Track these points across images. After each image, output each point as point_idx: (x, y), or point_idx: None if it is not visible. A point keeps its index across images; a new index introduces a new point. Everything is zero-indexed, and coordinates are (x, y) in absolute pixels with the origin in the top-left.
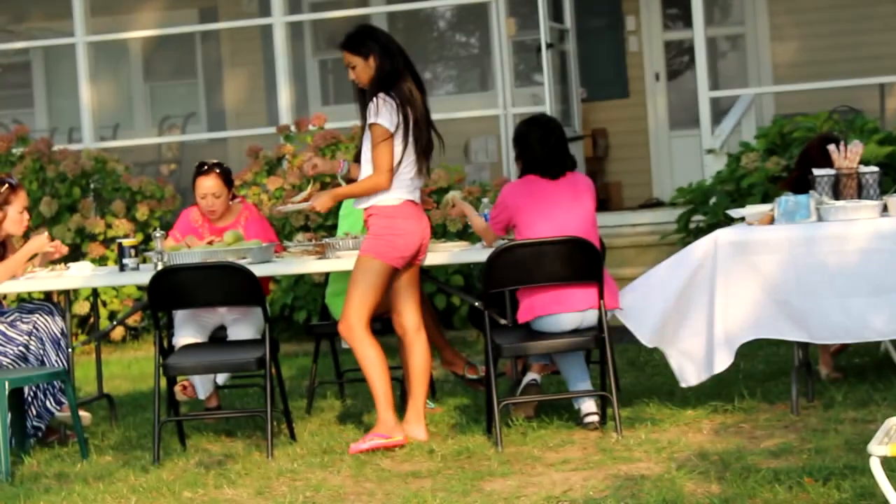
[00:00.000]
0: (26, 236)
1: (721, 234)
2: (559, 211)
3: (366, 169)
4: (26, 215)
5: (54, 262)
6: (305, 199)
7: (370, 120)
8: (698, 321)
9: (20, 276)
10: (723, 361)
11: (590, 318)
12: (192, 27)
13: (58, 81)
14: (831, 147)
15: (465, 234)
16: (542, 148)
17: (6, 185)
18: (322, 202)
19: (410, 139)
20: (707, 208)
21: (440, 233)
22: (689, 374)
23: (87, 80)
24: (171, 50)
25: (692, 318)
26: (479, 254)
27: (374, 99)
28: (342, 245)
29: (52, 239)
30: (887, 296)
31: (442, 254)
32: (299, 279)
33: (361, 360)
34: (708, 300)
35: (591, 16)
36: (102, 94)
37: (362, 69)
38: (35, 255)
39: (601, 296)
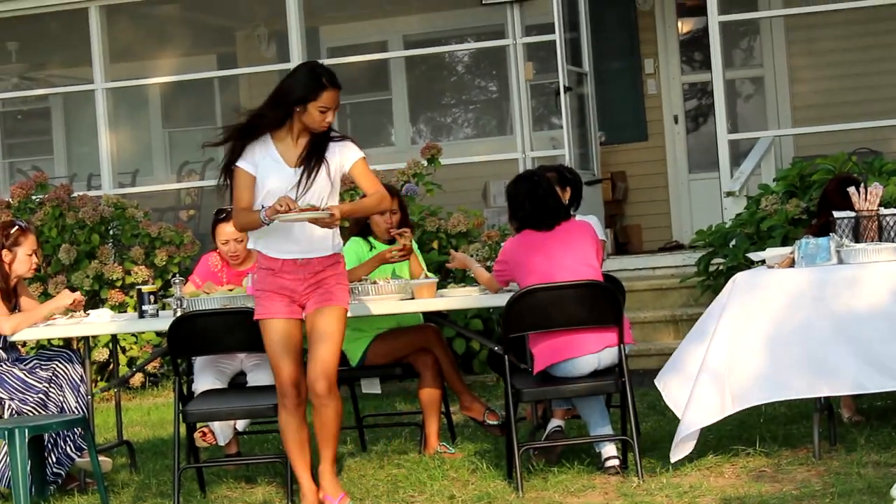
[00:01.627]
0: (40, 280)
1: (741, 278)
2: (559, 259)
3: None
4: (35, 258)
5: (73, 310)
6: (305, 210)
7: (359, 154)
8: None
9: (40, 323)
10: (734, 406)
11: (606, 358)
12: (211, 73)
13: (77, 128)
14: (851, 189)
15: None
16: (530, 202)
17: (16, 227)
18: (340, 208)
19: None
20: (727, 251)
21: (460, 277)
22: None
23: (106, 127)
24: (190, 96)
25: (696, 362)
26: (498, 298)
27: (342, 137)
28: (362, 290)
29: (73, 290)
30: None
31: (461, 298)
32: None
33: (338, 417)
34: (724, 346)
35: (610, 59)
36: (121, 140)
37: (334, 118)
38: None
39: (621, 339)
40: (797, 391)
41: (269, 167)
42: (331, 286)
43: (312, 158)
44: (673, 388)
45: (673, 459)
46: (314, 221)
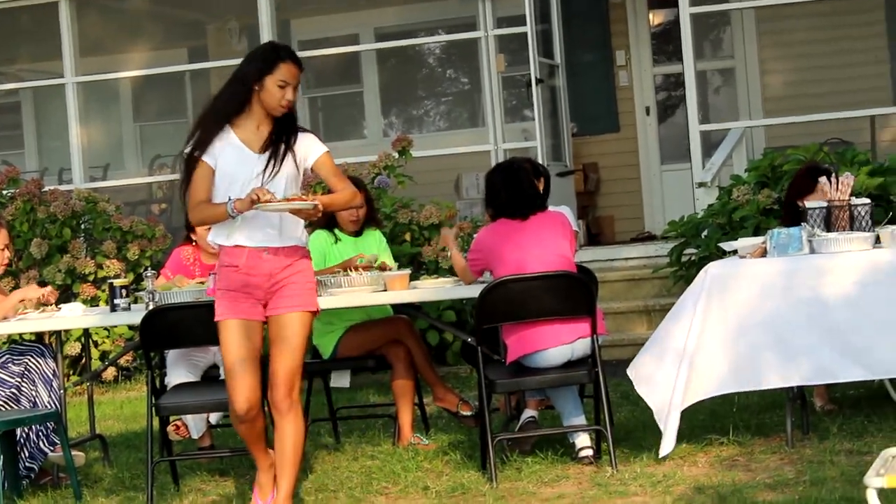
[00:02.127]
0: (12, 274)
1: (713, 268)
2: (532, 249)
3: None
4: (7, 253)
5: (45, 304)
6: (287, 200)
7: (322, 149)
8: (678, 354)
9: (11, 317)
10: (699, 394)
11: (579, 349)
12: (182, 66)
13: (48, 122)
14: (823, 179)
15: None
16: (507, 192)
17: None
18: (321, 199)
19: None
20: (699, 241)
21: (432, 269)
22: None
23: (76, 121)
24: (161, 89)
25: (674, 352)
26: (471, 289)
27: (306, 131)
28: (334, 282)
29: (44, 285)
30: (884, 330)
31: (434, 290)
32: None
33: (298, 438)
34: (697, 335)
35: (581, 51)
36: (92, 134)
37: (295, 97)
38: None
39: (594, 330)
40: (769, 382)
41: (230, 155)
42: (298, 288)
43: (280, 143)
44: (644, 377)
45: (662, 454)
46: (296, 212)
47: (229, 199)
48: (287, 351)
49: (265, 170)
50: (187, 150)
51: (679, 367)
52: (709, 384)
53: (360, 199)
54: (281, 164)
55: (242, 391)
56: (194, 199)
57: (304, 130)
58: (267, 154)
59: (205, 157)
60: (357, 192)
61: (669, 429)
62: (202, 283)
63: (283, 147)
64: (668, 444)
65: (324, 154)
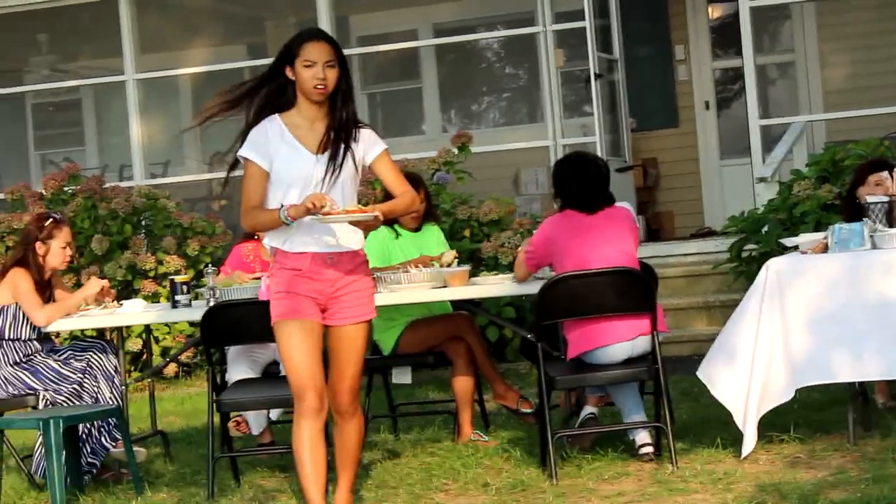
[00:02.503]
0: (73, 271)
1: (774, 263)
2: (598, 244)
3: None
4: (69, 250)
5: (106, 299)
6: (349, 212)
7: (382, 146)
8: (750, 354)
9: (73, 313)
10: (778, 398)
11: (640, 345)
12: (241, 63)
13: (108, 119)
14: (884, 174)
15: None
16: (577, 183)
17: (50, 220)
18: (381, 209)
19: None
20: (759, 237)
21: (491, 265)
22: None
23: (137, 118)
24: (221, 86)
25: (746, 352)
26: (531, 286)
27: (361, 125)
28: (394, 278)
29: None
30: None
31: (494, 286)
32: None
33: (360, 437)
34: (767, 334)
35: (640, 45)
36: (152, 131)
37: (335, 76)
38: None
39: (654, 326)
40: (837, 375)
41: (286, 156)
42: (360, 297)
43: (339, 143)
44: (717, 379)
45: (745, 454)
46: (357, 224)
47: (282, 207)
48: (350, 360)
49: (325, 176)
50: (238, 151)
51: (752, 367)
52: (786, 382)
53: (417, 203)
54: (341, 167)
55: (309, 370)
56: (247, 203)
57: (362, 125)
58: (326, 155)
59: (258, 160)
60: (416, 195)
61: (749, 430)
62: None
63: (342, 147)
64: (749, 445)
65: (383, 152)
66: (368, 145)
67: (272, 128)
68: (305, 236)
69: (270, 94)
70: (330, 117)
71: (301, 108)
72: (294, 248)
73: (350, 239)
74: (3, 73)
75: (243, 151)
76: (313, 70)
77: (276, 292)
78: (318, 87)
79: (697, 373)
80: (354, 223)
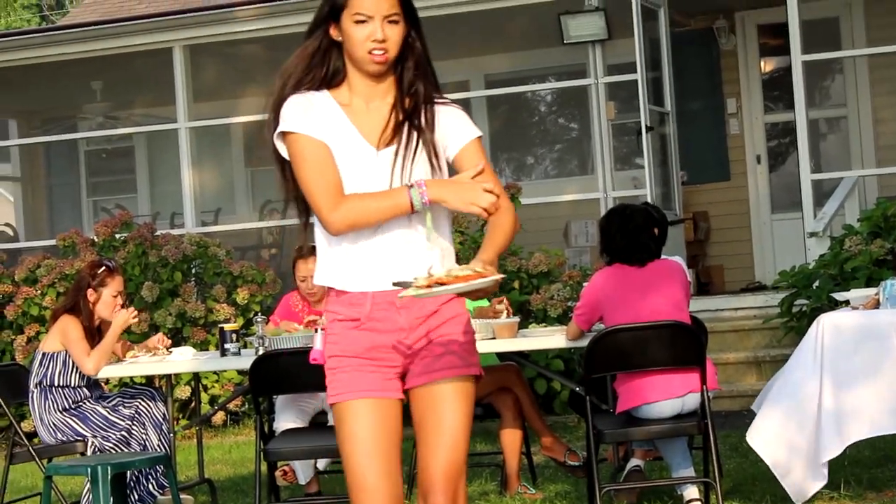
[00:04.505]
0: None
1: (825, 319)
2: (648, 298)
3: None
4: (120, 299)
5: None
6: (463, 278)
7: (472, 131)
8: (806, 411)
9: (124, 360)
10: (831, 452)
11: (690, 402)
12: None
13: (160, 166)
14: None
15: (566, 318)
16: (623, 237)
17: (104, 268)
18: (490, 259)
19: None
20: (810, 292)
21: (540, 317)
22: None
23: (189, 165)
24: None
25: (800, 409)
26: (579, 339)
27: (441, 101)
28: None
29: (156, 329)
30: None
31: (543, 339)
32: None
33: None
34: (816, 390)
35: (692, 98)
36: (204, 178)
37: (399, 36)
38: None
39: (703, 381)
40: (888, 428)
41: (344, 143)
42: (452, 344)
43: (408, 130)
44: (766, 436)
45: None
46: (468, 294)
47: (413, 185)
48: (445, 436)
49: (390, 179)
50: (284, 127)
51: (800, 423)
52: (835, 437)
53: (518, 222)
54: (411, 166)
55: (382, 490)
56: (324, 188)
57: (443, 101)
58: (391, 151)
59: (311, 131)
60: (513, 209)
61: (797, 486)
62: (310, 324)
63: (413, 135)
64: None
65: (472, 142)
66: (451, 130)
67: (322, 101)
68: (367, 265)
69: (309, 63)
70: (396, 94)
71: (353, 82)
72: (350, 285)
73: (432, 266)
74: (57, 119)
75: (287, 125)
76: (368, 28)
77: (331, 357)
78: (376, 52)
79: (748, 437)
80: (466, 294)
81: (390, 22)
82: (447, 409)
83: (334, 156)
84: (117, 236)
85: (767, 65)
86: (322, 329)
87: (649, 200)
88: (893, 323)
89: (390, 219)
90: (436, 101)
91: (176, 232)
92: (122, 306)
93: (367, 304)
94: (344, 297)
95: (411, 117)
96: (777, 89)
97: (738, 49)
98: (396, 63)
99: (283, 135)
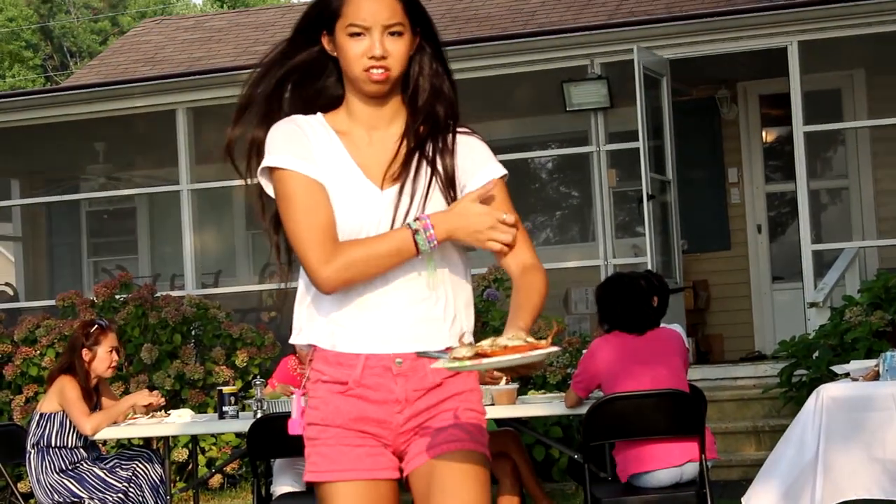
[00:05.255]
0: (122, 379)
1: (825, 390)
2: (647, 366)
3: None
4: (115, 355)
5: (155, 409)
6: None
7: (495, 169)
8: (803, 480)
9: (121, 422)
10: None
11: (689, 471)
12: None
13: (161, 228)
14: None
15: (565, 385)
16: (621, 306)
17: (96, 326)
18: (526, 323)
19: None
20: (810, 362)
21: (539, 384)
22: None
23: (190, 228)
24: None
25: (797, 478)
26: (578, 406)
27: (461, 130)
28: None
29: (152, 389)
30: None
31: (541, 405)
32: None
33: None
34: (812, 457)
35: (693, 167)
36: (205, 241)
37: (404, 50)
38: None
39: (702, 450)
40: (878, 493)
41: (341, 181)
42: (460, 416)
43: (421, 168)
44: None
45: None
46: (513, 370)
47: (416, 220)
48: None
49: (392, 224)
50: (272, 161)
51: (790, 488)
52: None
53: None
54: (422, 209)
55: None
56: (314, 233)
57: (463, 130)
58: (396, 191)
59: (303, 168)
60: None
61: None
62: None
63: (423, 172)
64: None
65: (497, 182)
66: (472, 166)
67: (315, 128)
68: (355, 321)
69: (296, 79)
70: (406, 120)
71: (353, 106)
72: (337, 344)
73: (437, 327)
74: (59, 179)
75: (276, 159)
76: (364, 41)
77: (311, 425)
78: (374, 71)
79: (743, 499)
80: (513, 370)
81: (392, 34)
82: (461, 491)
83: (329, 196)
84: (117, 297)
85: (769, 135)
86: (301, 392)
87: (650, 268)
88: (893, 395)
89: (393, 268)
90: (452, 127)
91: (176, 293)
92: (119, 365)
93: (358, 368)
94: (330, 355)
95: (423, 148)
96: (778, 159)
97: (740, 119)
98: (406, 82)
99: (270, 170)
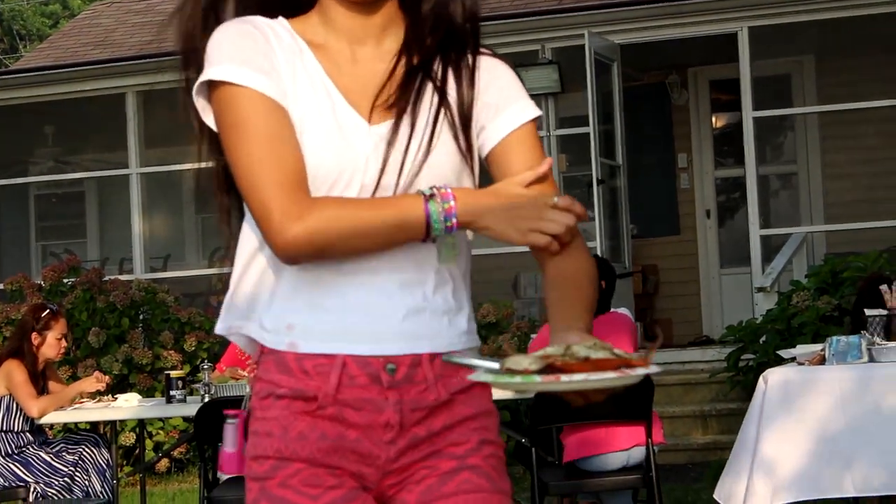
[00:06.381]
0: (70, 363)
1: (771, 374)
2: None
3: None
4: (64, 342)
5: (102, 393)
6: (601, 365)
7: (529, 110)
8: (743, 465)
9: (66, 405)
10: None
11: (635, 455)
12: None
13: (111, 212)
14: (883, 287)
15: None
16: None
17: (47, 311)
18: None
19: None
20: (757, 347)
21: None
22: None
23: (139, 212)
24: None
25: (739, 462)
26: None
27: (481, 50)
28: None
29: (104, 373)
30: None
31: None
32: None
33: None
34: (753, 445)
35: (644, 153)
36: (154, 225)
37: None
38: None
39: (649, 434)
40: (826, 489)
41: (314, 110)
42: (472, 457)
43: (423, 95)
44: (730, 495)
45: None
46: (598, 393)
47: (433, 191)
48: None
49: (379, 176)
50: (213, 73)
51: (752, 475)
52: (780, 493)
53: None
54: (425, 155)
55: None
56: (279, 176)
57: (486, 51)
58: (389, 125)
59: (262, 85)
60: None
61: None
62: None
63: (434, 101)
64: None
65: (529, 126)
66: (496, 100)
67: (279, 35)
68: (329, 311)
69: None
70: (405, 32)
71: (328, 9)
72: (304, 342)
73: (450, 321)
74: (8, 163)
75: (219, 71)
76: None
77: (258, 458)
78: None
79: (715, 495)
80: (608, 388)
81: None
82: None
83: (296, 130)
84: (65, 281)
85: (719, 120)
86: (238, 415)
87: (598, 253)
88: (839, 379)
89: (390, 248)
90: (477, 47)
91: (124, 278)
92: (67, 350)
93: (333, 377)
94: (290, 358)
95: (429, 69)
96: (728, 145)
97: (690, 104)
98: None
99: (211, 86)
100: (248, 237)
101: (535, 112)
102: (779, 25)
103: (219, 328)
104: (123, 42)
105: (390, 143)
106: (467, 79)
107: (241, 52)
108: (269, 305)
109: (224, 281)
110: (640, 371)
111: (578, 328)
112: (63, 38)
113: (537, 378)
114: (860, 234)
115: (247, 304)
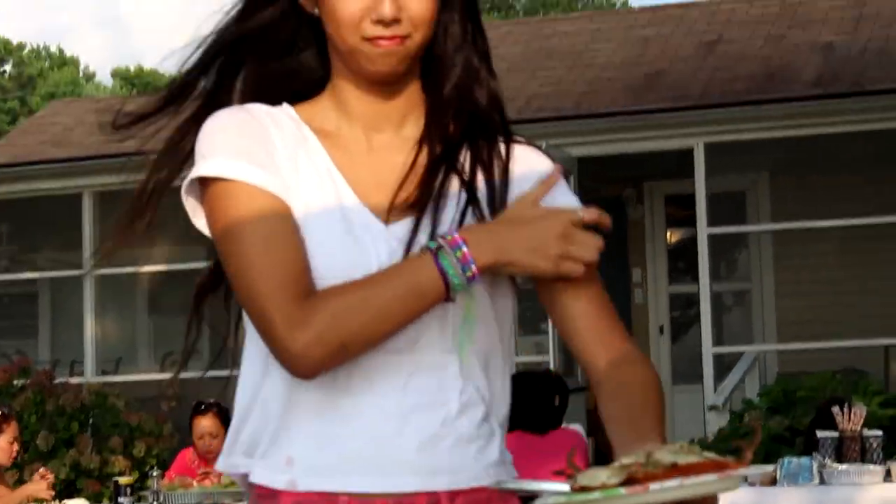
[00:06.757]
0: (17, 467)
1: (721, 495)
2: (548, 466)
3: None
4: (16, 446)
5: (52, 498)
6: (692, 469)
7: (572, 202)
8: None
9: None
10: None
11: None
12: (199, 264)
13: (63, 313)
14: (835, 409)
15: None
16: (523, 405)
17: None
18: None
19: None
20: None
21: None
22: None
23: (92, 314)
24: (178, 286)
25: None
26: None
27: (515, 139)
28: None
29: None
30: None
31: None
32: None
33: None
34: None
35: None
36: (107, 327)
37: (429, 7)
38: None
39: None
40: None
41: (322, 208)
42: None
43: (445, 194)
44: None
45: None
46: (708, 494)
47: (440, 248)
48: None
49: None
50: (206, 168)
51: None
52: None
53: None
54: None
55: None
56: (281, 281)
57: (520, 140)
58: (408, 223)
59: (261, 180)
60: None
61: None
62: (206, 476)
63: (461, 197)
64: None
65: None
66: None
67: (281, 122)
68: (331, 439)
69: (254, 53)
70: (426, 115)
71: (342, 94)
72: (311, 478)
73: (477, 451)
74: None
75: (213, 166)
76: None
77: None
78: (382, 40)
79: None
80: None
81: None
82: None
83: (301, 230)
84: (15, 383)
85: (674, 235)
86: None
87: (552, 366)
88: (789, 502)
89: (412, 321)
90: (503, 132)
91: (75, 380)
92: (17, 454)
93: None
94: (286, 500)
95: (453, 161)
96: (682, 260)
97: (646, 219)
98: (426, 62)
99: (202, 183)
100: (256, 357)
101: (570, 203)
102: (735, 142)
103: (220, 464)
104: (81, 141)
105: (409, 245)
106: (500, 170)
107: (235, 143)
108: (274, 438)
109: (174, 386)
110: (742, 471)
111: (652, 439)
112: (20, 135)
113: (622, 491)
114: (813, 354)
115: (250, 437)
